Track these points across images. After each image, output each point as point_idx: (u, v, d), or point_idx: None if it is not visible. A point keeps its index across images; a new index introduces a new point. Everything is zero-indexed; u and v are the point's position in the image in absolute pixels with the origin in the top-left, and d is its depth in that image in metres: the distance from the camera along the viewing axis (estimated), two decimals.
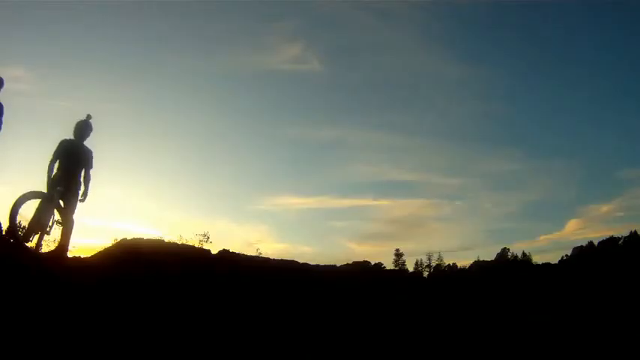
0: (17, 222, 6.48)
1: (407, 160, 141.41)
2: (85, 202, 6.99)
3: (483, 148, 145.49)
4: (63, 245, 6.81)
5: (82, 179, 7.06)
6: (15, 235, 6.51)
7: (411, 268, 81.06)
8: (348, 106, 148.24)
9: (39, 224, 6.50)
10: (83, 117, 7.22)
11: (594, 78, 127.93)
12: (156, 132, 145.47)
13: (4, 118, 6.37)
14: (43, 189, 6.68)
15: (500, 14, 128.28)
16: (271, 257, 13.24)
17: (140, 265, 6.80)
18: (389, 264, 77.13)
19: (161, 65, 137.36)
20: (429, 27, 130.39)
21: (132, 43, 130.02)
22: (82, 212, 7.08)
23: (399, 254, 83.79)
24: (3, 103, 6.40)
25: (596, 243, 70.54)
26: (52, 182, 6.72)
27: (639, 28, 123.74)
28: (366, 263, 55.15)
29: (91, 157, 7.17)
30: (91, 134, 7.24)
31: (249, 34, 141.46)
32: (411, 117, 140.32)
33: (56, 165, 6.86)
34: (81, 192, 6.98)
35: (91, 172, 7.11)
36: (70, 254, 8.00)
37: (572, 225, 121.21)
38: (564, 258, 70.64)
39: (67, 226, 6.73)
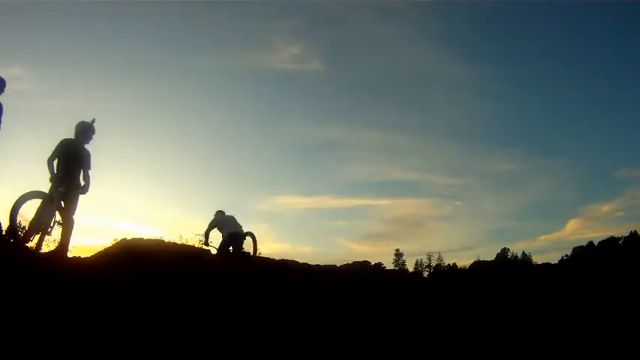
0: (17, 222, 6.49)
1: (407, 159, 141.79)
2: (86, 195, 7.07)
3: (483, 148, 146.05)
4: (63, 245, 6.82)
5: (81, 179, 7.08)
6: (15, 235, 6.52)
7: (411, 268, 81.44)
8: (348, 106, 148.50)
9: (39, 224, 6.51)
10: (85, 118, 7.27)
11: (594, 77, 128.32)
12: (156, 132, 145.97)
13: (3, 118, 6.36)
14: (46, 187, 6.69)
15: (500, 14, 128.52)
16: (271, 257, 13.25)
17: (140, 265, 6.80)
18: (389, 264, 77.42)
19: (161, 65, 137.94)
20: (429, 26, 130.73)
21: (131, 43, 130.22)
22: (82, 212, 7.12)
23: (399, 254, 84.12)
24: (3, 104, 6.40)
25: (596, 243, 70.73)
26: (53, 183, 6.73)
27: (639, 27, 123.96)
28: (366, 263, 55.25)
29: (89, 159, 7.18)
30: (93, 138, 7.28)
31: (249, 33, 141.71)
32: (411, 117, 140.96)
33: (55, 164, 6.87)
34: (82, 186, 7.02)
35: (90, 172, 7.15)
36: (70, 254, 8.00)
37: (572, 225, 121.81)
38: (564, 258, 70.74)
39: (67, 226, 6.74)
